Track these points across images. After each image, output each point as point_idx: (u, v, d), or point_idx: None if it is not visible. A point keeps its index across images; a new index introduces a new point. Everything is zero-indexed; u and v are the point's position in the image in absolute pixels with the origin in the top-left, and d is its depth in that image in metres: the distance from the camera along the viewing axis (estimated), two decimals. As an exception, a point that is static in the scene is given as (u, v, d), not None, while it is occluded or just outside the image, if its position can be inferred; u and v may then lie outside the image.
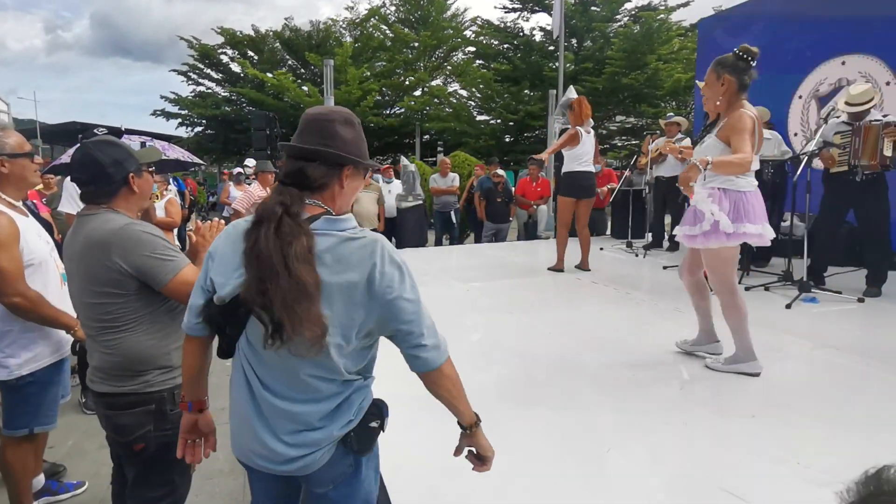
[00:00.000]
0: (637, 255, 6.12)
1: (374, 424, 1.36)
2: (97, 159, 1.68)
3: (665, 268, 5.35)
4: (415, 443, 2.06)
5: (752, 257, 4.98)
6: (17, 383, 2.08)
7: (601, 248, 6.56)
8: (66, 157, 4.00)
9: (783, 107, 6.23)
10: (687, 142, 6.35)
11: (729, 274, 2.66)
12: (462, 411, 1.42)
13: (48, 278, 2.09)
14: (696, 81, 4.48)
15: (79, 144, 1.78)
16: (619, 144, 21.91)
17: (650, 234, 6.60)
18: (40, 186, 4.66)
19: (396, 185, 7.88)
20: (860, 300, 4.01)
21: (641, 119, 20.19)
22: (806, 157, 4.13)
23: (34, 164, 2.16)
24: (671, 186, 6.24)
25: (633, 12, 20.56)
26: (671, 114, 6.81)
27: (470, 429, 1.44)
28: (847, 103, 4.20)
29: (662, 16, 19.17)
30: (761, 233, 2.56)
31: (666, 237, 6.68)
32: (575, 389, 2.57)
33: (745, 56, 2.64)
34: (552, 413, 2.33)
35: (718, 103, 2.67)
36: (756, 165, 2.57)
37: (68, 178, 3.63)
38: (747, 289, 4.31)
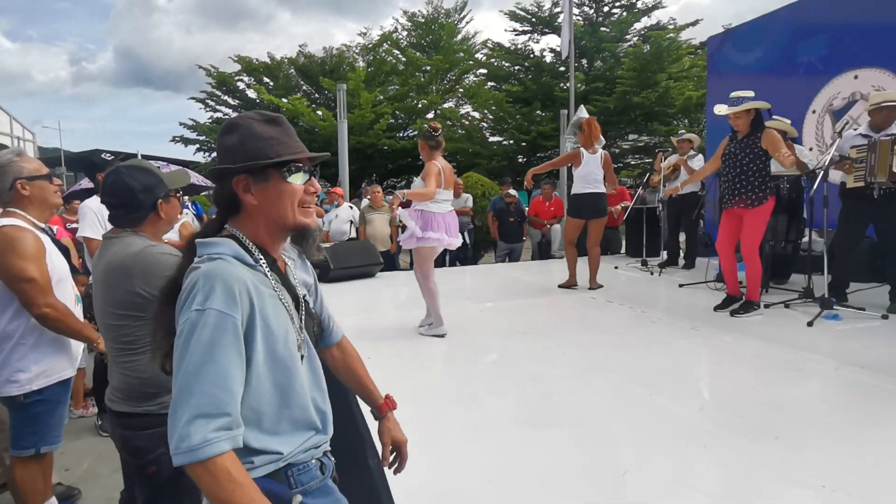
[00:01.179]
0: (652, 274, 6.05)
1: None
2: (129, 185, 1.73)
3: (681, 286, 5.28)
4: (423, 465, 2.03)
5: (771, 274, 4.90)
6: (25, 401, 2.12)
7: (616, 267, 6.50)
8: (85, 183, 4.09)
9: (797, 122, 6.19)
10: (699, 158, 6.31)
11: (425, 266, 3.82)
12: None
13: (66, 296, 2.15)
14: (715, 110, 4.50)
15: (111, 168, 1.83)
16: (633, 163, 21.87)
17: (665, 253, 6.53)
18: (62, 211, 4.77)
19: (345, 211, 7.81)
20: (884, 317, 3.91)
21: (654, 137, 20.17)
22: (822, 172, 4.08)
23: (53, 185, 2.23)
24: (684, 203, 6.19)
25: (643, 32, 20.74)
26: (683, 131, 6.80)
27: None
28: (871, 104, 4.19)
29: (672, 35, 19.28)
30: (440, 238, 3.71)
31: (681, 255, 6.61)
32: (590, 410, 2.52)
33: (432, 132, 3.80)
34: (567, 435, 2.28)
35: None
36: (445, 196, 3.82)
37: (86, 202, 3.72)
38: (766, 306, 4.23)
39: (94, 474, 2.99)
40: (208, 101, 22.53)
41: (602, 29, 20.65)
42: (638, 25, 20.94)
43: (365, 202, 8.05)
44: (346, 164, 7.90)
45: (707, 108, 7.27)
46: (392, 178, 23.64)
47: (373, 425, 2.28)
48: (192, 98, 22.45)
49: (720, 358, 3.33)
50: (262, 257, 1.10)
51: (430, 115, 22.46)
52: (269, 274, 1.09)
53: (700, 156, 6.42)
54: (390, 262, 7.46)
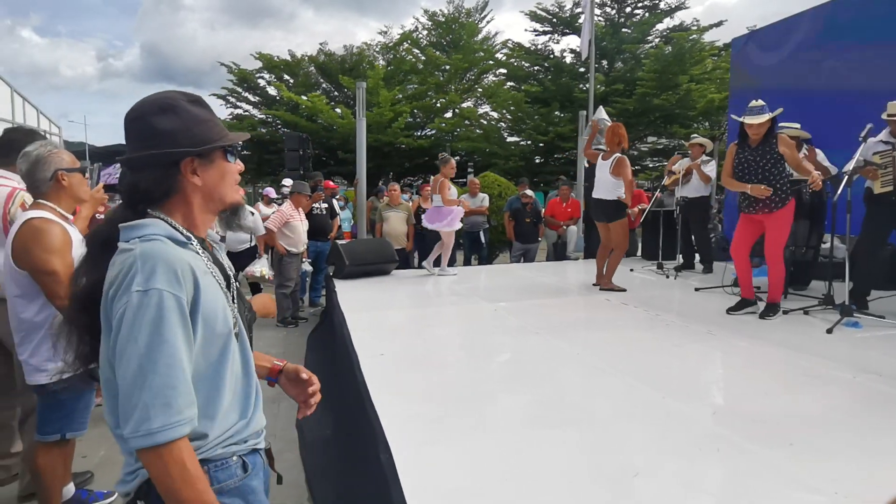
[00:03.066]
0: (668, 277, 6.00)
1: None
2: None
3: (697, 290, 5.23)
4: (434, 463, 2.04)
5: (790, 280, 4.82)
6: (53, 388, 2.17)
7: (631, 270, 6.46)
8: (110, 178, 4.18)
9: (823, 126, 6.08)
10: (712, 163, 6.24)
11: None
12: None
13: None
14: (732, 117, 4.44)
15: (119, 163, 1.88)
16: (651, 165, 21.67)
17: (680, 256, 6.47)
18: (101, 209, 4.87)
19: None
20: (906, 326, 3.83)
21: (672, 140, 19.96)
22: (846, 177, 4.01)
23: (84, 179, 2.30)
24: (693, 207, 6.16)
25: (665, 33, 20.52)
26: (695, 135, 6.73)
27: None
28: (889, 115, 4.11)
29: (695, 36, 19.04)
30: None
31: (696, 258, 6.54)
32: (603, 412, 2.52)
33: None
34: (579, 435, 2.28)
35: None
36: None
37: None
38: (785, 312, 4.17)
39: (109, 461, 3.06)
40: (229, 98, 22.81)
41: (623, 30, 20.48)
42: (660, 26, 20.75)
43: (384, 200, 8.10)
44: (364, 161, 7.94)
45: (730, 111, 7.17)
46: (409, 177, 23.70)
47: (385, 421, 2.31)
48: (214, 94, 22.75)
49: (735, 363, 3.30)
50: (192, 236, 1.09)
51: (449, 115, 22.50)
52: (201, 252, 1.08)
53: (713, 161, 6.35)
54: (405, 259, 7.50)
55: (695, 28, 19.71)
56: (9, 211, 2.57)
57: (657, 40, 20.61)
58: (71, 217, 2.29)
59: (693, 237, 6.49)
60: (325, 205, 7.25)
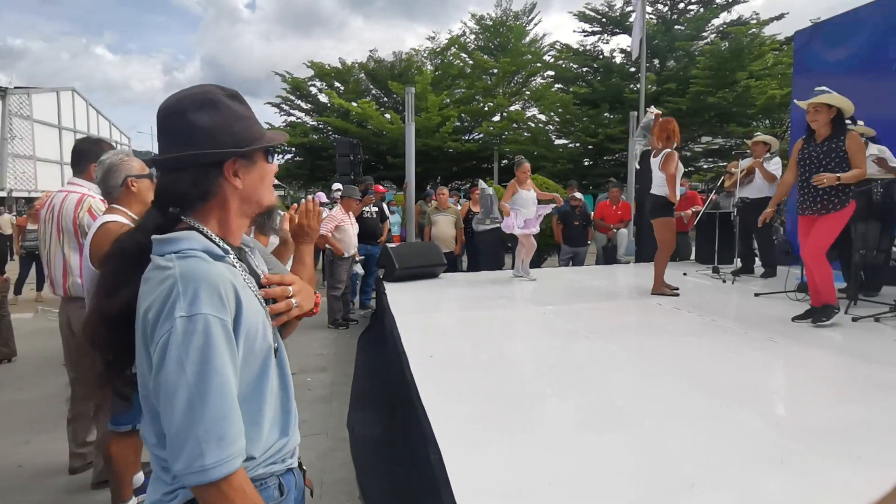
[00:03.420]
0: (724, 282, 5.78)
1: None
2: None
3: (756, 295, 5.01)
4: (484, 464, 2.05)
5: (860, 286, 4.55)
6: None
7: (684, 274, 6.26)
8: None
9: (893, 123, 5.72)
10: (777, 161, 5.95)
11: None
12: None
13: None
14: (795, 101, 4.25)
15: None
16: (705, 166, 20.92)
17: (739, 260, 6.21)
18: None
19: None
20: None
21: (729, 139, 19.20)
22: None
23: (152, 185, 2.44)
24: (754, 209, 5.89)
25: (721, 28, 19.79)
26: (758, 133, 6.45)
27: None
28: None
29: (754, 30, 18.26)
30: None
31: (756, 262, 6.27)
32: (655, 418, 2.46)
33: None
34: (631, 441, 2.23)
35: None
36: None
37: None
38: (854, 319, 3.94)
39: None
40: (283, 106, 23.60)
41: (676, 27, 19.89)
42: (716, 21, 20.02)
43: (433, 204, 8.18)
44: (413, 166, 8.04)
45: (792, 108, 6.84)
46: (456, 181, 23.81)
47: (435, 422, 2.34)
48: (269, 103, 23.63)
49: (799, 372, 3.14)
50: (229, 248, 1.02)
51: (496, 118, 22.47)
52: (237, 265, 1.01)
53: (777, 159, 6.03)
54: (453, 263, 7.54)
55: (754, 22, 18.90)
56: (78, 216, 2.75)
57: (713, 36, 19.91)
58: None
59: (755, 240, 6.21)
60: (376, 209, 7.38)
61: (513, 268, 6.42)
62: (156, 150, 1.09)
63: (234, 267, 1.00)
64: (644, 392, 2.78)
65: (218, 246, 1.00)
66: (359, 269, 6.93)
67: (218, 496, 0.87)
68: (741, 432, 2.29)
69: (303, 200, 1.55)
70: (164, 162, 1.00)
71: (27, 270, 8.81)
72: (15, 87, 32.74)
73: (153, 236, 0.96)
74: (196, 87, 1.02)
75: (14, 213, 13.68)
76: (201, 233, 0.99)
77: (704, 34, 20.15)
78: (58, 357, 3.22)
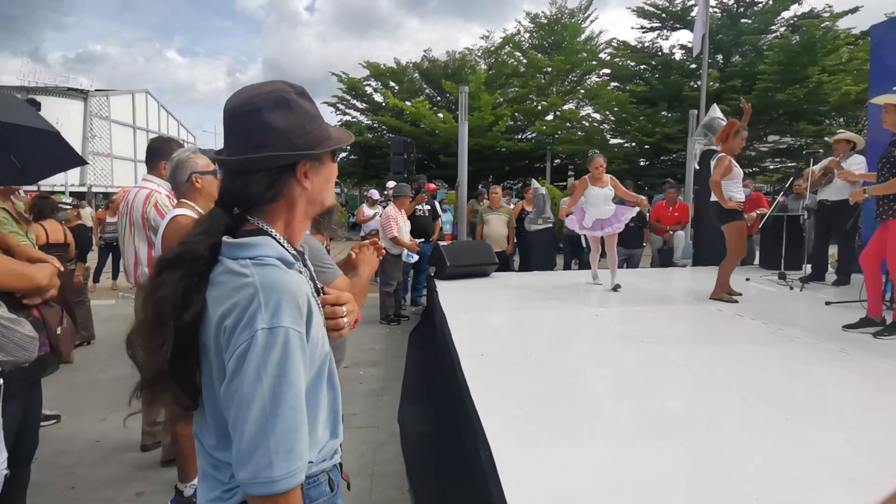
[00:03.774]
0: (792, 288, 5.48)
1: None
2: None
3: (828, 303, 4.73)
4: (533, 464, 2.04)
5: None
6: None
7: (747, 279, 5.98)
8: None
9: None
10: (862, 160, 5.53)
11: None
12: None
13: None
14: (871, 101, 3.98)
15: None
16: (771, 167, 19.91)
17: (809, 266, 5.88)
18: None
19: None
20: None
21: (798, 139, 18.19)
22: None
23: (217, 180, 2.55)
24: (836, 212, 5.53)
25: (792, 21, 18.77)
26: (841, 130, 6.02)
27: None
28: None
29: (827, 23, 17.22)
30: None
31: (830, 269, 5.91)
32: (715, 428, 2.37)
33: None
34: (689, 451, 2.16)
35: None
36: None
37: None
38: (937, 333, 3.66)
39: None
40: (339, 105, 24.20)
41: (743, 20, 19.01)
42: (786, 14, 19.00)
43: (485, 203, 8.18)
44: (465, 165, 8.07)
45: (869, 105, 6.41)
46: (508, 181, 23.69)
47: (485, 419, 2.34)
48: (325, 103, 24.26)
49: (874, 386, 2.95)
50: (297, 254, 1.02)
51: (550, 117, 22.20)
52: (302, 271, 1.01)
53: (861, 157, 5.60)
54: (505, 262, 7.52)
55: (827, 15, 17.82)
56: (146, 211, 2.93)
57: (782, 29, 18.91)
58: None
59: (836, 246, 5.83)
60: (428, 206, 7.45)
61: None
62: (218, 148, 1.09)
63: (301, 273, 1.00)
64: (701, 400, 2.68)
65: (288, 252, 0.99)
66: (410, 258, 6.78)
67: None
68: (807, 447, 2.18)
69: (366, 243, 1.69)
70: (237, 163, 0.97)
71: (104, 260, 9.43)
72: (95, 90, 35.05)
73: (224, 238, 0.95)
74: (266, 85, 0.99)
75: (93, 208, 14.65)
76: (270, 236, 0.98)
77: (773, 28, 19.17)
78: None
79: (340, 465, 1.15)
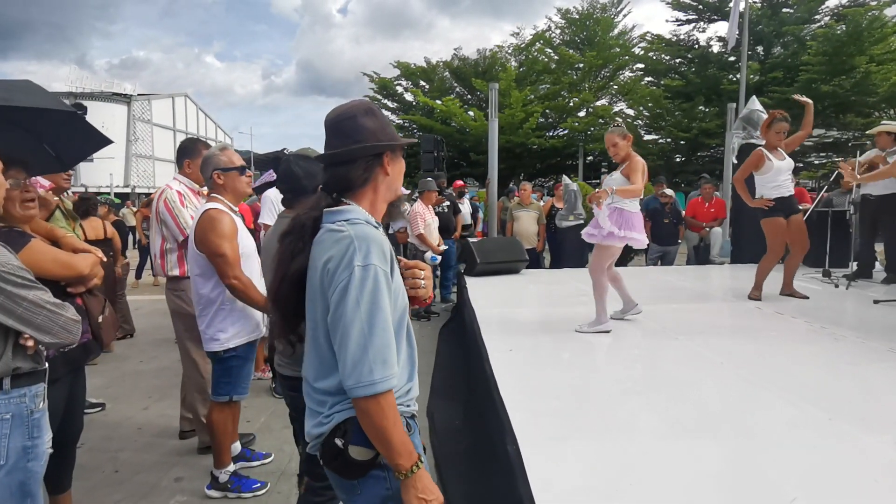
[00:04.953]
0: (837, 286, 5.27)
1: (337, 441, 1.19)
2: (294, 172, 2.01)
3: (877, 302, 4.52)
4: (561, 459, 2.02)
5: None
6: (224, 356, 2.51)
7: (790, 277, 5.77)
8: (267, 177, 4.71)
9: None
10: None
11: (605, 262, 3.75)
12: (389, 454, 1.16)
13: (252, 269, 2.50)
14: None
15: (283, 159, 2.13)
16: (815, 162, 19.17)
17: (855, 263, 5.63)
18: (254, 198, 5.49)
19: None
20: None
21: (845, 132, 17.44)
22: None
23: (245, 177, 2.60)
24: (883, 206, 5.28)
25: (837, 10, 18.00)
26: (885, 122, 5.75)
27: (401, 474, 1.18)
28: None
29: (874, 12, 16.45)
30: (640, 238, 3.60)
31: (878, 266, 5.65)
32: (753, 427, 2.29)
33: None
34: (724, 450, 2.10)
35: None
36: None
37: (266, 192, 4.29)
38: None
39: (268, 427, 3.45)
40: (370, 105, 24.36)
41: (784, 10, 18.34)
42: (830, 3, 18.23)
43: (515, 200, 8.12)
44: (496, 162, 8.03)
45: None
46: (540, 178, 23.47)
47: (513, 414, 2.33)
48: (358, 103, 24.43)
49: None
50: (378, 224, 1.28)
51: (582, 114, 21.88)
52: (383, 235, 1.26)
53: None
54: (535, 259, 7.45)
55: (874, 3, 17.02)
56: (158, 206, 3.02)
57: (826, 19, 18.16)
58: (236, 209, 2.61)
59: (883, 242, 5.57)
60: (448, 203, 7.39)
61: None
62: (254, 149, 1.37)
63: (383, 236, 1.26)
64: (739, 399, 2.60)
65: (373, 220, 1.27)
66: (434, 260, 6.85)
67: (376, 408, 1.11)
68: (853, 449, 2.09)
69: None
70: (341, 154, 1.25)
71: (146, 257, 9.76)
72: (138, 95, 36.29)
73: (325, 209, 1.25)
74: (357, 101, 1.33)
75: (135, 208, 15.17)
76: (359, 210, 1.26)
77: (817, 17, 18.43)
78: (173, 335, 3.57)
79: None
